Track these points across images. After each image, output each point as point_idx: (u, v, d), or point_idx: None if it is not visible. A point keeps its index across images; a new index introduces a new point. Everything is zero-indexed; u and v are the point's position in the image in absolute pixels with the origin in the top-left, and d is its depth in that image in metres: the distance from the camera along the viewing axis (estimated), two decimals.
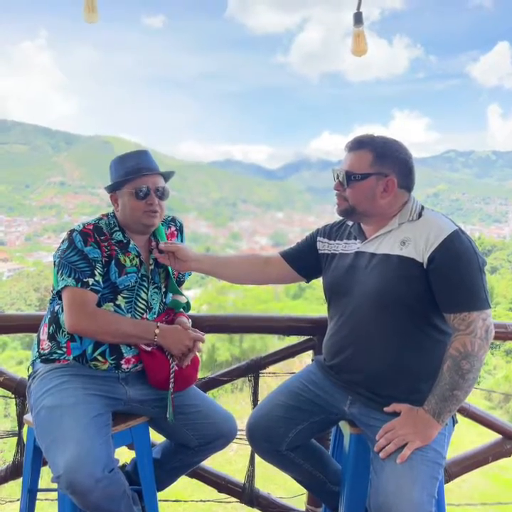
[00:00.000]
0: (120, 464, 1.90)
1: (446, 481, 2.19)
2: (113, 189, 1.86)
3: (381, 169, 1.68)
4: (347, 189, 1.72)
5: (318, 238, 1.95)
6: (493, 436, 2.45)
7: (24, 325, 2.23)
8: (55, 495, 1.76)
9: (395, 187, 1.69)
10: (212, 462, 2.11)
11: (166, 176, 1.91)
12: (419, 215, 1.70)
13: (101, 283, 1.76)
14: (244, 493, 2.32)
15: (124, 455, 2.09)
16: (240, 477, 2.36)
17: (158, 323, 1.82)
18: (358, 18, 2.33)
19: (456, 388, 1.54)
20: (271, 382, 2.41)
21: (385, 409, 1.65)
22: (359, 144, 1.72)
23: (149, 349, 1.81)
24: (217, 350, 24.77)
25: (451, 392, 1.54)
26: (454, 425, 1.70)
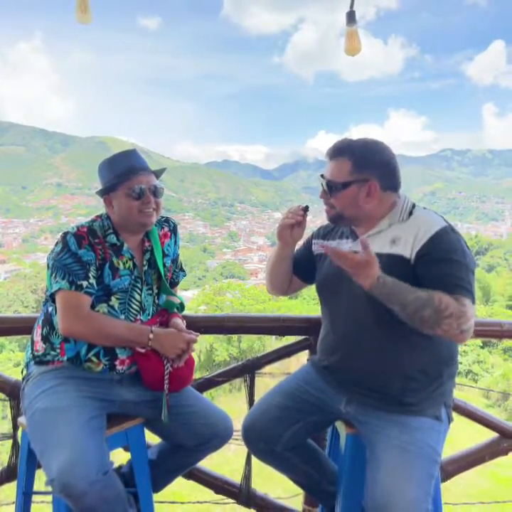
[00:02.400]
0: (116, 465, 1.90)
1: (443, 480, 2.18)
2: (106, 192, 1.84)
3: (361, 175, 1.68)
4: (331, 198, 1.73)
5: (313, 241, 1.96)
6: (490, 435, 2.45)
7: (19, 327, 2.22)
8: (50, 497, 1.75)
9: (377, 191, 1.69)
10: (210, 462, 2.10)
11: (157, 174, 1.91)
12: (410, 214, 1.70)
13: (95, 286, 1.75)
14: (241, 493, 2.31)
15: (120, 457, 2.09)
16: (238, 477, 2.35)
17: (153, 328, 1.81)
18: (351, 17, 2.31)
19: (417, 304, 1.50)
20: (269, 381, 2.40)
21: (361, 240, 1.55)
22: (338, 152, 1.72)
23: (143, 351, 1.80)
24: (215, 350, 24.75)
25: (411, 301, 1.50)
26: (449, 423, 1.70)
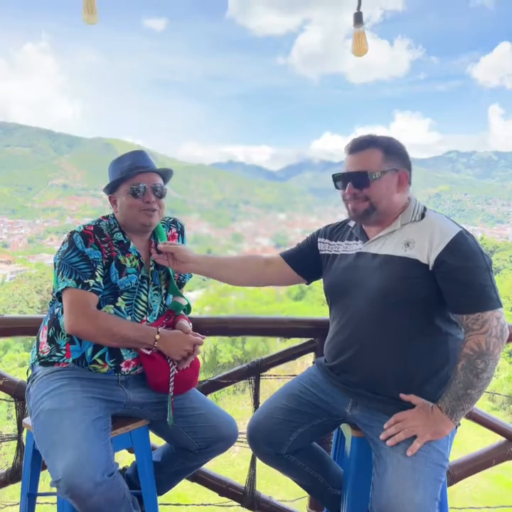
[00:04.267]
0: (120, 467, 1.89)
1: (449, 484, 2.16)
2: (111, 190, 1.85)
3: (392, 165, 1.69)
4: (365, 189, 1.69)
5: (319, 239, 1.94)
6: (496, 438, 2.43)
7: (25, 328, 2.22)
8: (54, 498, 1.75)
9: (406, 180, 1.71)
10: (215, 464, 2.10)
11: (164, 176, 1.90)
12: (422, 216, 1.69)
13: (101, 284, 1.75)
14: (246, 496, 2.31)
15: (125, 458, 2.08)
16: (242, 479, 2.35)
17: (159, 329, 1.80)
18: (358, 18, 2.30)
19: (469, 387, 1.53)
20: (274, 384, 2.39)
21: (402, 395, 1.63)
22: (366, 143, 1.71)
23: (149, 352, 1.79)
24: (220, 352, 24.73)
25: (464, 391, 1.53)
26: (456, 428, 1.69)
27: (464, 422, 1.68)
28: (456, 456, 2.31)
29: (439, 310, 1.63)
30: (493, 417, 2.43)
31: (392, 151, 1.70)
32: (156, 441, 2.00)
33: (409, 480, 1.48)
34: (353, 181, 1.71)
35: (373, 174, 1.67)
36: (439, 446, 1.57)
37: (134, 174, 1.80)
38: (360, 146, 1.71)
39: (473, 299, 1.55)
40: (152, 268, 1.88)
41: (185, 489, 2.52)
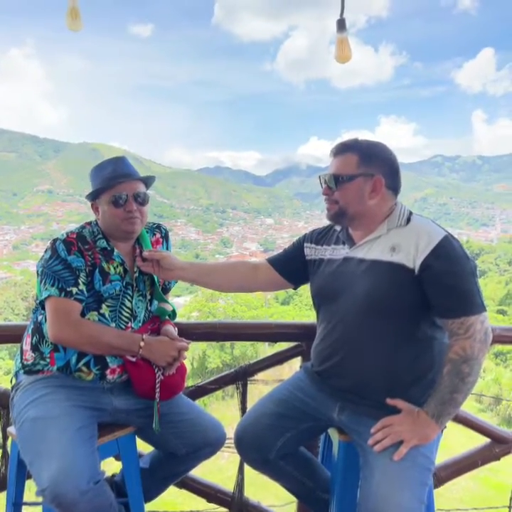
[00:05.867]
0: (110, 474, 1.88)
1: (436, 486, 2.18)
2: (93, 198, 1.84)
3: (367, 170, 1.69)
4: (336, 192, 1.72)
5: (306, 244, 1.94)
6: (482, 440, 2.45)
7: (9, 335, 2.20)
8: (40, 508, 1.73)
9: (382, 187, 1.69)
10: (203, 470, 2.09)
11: (147, 182, 1.90)
12: (408, 221, 1.70)
13: (85, 292, 1.74)
14: (234, 502, 2.30)
15: (112, 466, 2.06)
16: (231, 485, 2.33)
17: (144, 336, 1.79)
18: (342, 25, 2.32)
19: (455, 391, 1.54)
20: (262, 388, 2.39)
21: (388, 400, 1.63)
22: (344, 148, 1.73)
23: (134, 360, 1.78)
24: (208, 357, 24.66)
25: (450, 395, 1.55)
26: (442, 430, 1.70)
27: (449, 424, 1.69)
28: (443, 458, 2.32)
29: (424, 314, 1.64)
30: (479, 418, 2.44)
31: (370, 157, 1.69)
32: (144, 447, 1.99)
33: (396, 484, 1.49)
34: (327, 183, 1.74)
35: (343, 178, 1.70)
36: (425, 450, 1.58)
37: (115, 183, 1.78)
38: (340, 150, 1.74)
39: (459, 303, 1.56)
40: (136, 274, 1.87)
41: (173, 497, 2.51)
